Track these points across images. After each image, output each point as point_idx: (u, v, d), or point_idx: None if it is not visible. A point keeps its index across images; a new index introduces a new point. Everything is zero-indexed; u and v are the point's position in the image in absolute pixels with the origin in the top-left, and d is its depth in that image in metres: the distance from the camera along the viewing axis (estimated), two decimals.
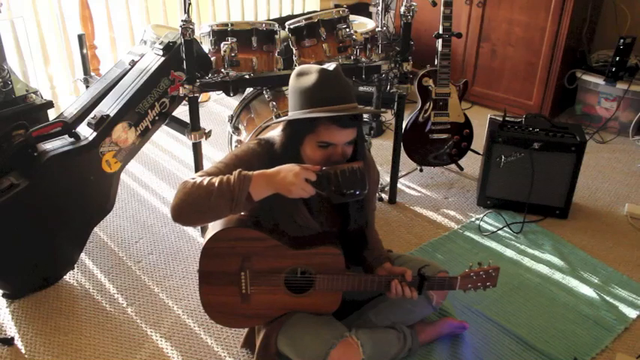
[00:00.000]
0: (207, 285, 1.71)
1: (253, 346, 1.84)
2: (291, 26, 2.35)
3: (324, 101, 1.52)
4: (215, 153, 3.25)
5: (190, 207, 1.51)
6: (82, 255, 2.36)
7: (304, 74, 1.56)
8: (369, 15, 4.07)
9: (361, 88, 3.53)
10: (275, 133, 1.71)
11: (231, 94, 2.31)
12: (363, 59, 2.44)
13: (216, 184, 1.49)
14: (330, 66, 1.57)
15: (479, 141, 2.93)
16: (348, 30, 2.35)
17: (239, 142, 2.52)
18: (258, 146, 1.67)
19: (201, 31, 2.34)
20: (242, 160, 1.63)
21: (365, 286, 1.72)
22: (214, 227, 1.70)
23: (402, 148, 2.79)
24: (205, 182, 1.50)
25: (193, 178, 1.54)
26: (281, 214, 1.69)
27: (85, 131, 2.17)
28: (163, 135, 3.39)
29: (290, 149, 1.61)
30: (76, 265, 2.30)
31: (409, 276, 1.70)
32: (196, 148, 2.36)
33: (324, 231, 1.74)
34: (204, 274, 1.70)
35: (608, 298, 2.21)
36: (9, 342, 1.96)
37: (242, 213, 1.63)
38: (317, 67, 1.57)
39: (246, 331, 1.92)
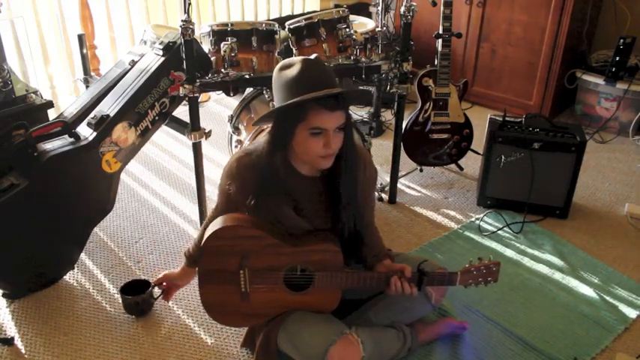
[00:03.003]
0: (207, 284, 1.72)
1: (253, 345, 1.85)
2: (291, 26, 2.35)
3: (310, 88, 1.52)
4: (215, 153, 3.25)
5: None
6: (82, 255, 2.36)
7: (287, 67, 1.58)
8: (369, 15, 4.07)
9: (361, 88, 3.53)
10: (257, 142, 1.73)
11: (231, 94, 2.31)
12: (363, 59, 2.44)
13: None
14: (311, 56, 1.62)
15: (479, 141, 2.93)
16: (348, 30, 2.35)
17: (239, 142, 2.52)
18: (243, 158, 1.69)
19: (201, 31, 2.34)
20: (226, 181, 1.73)
21: (364, 283, 1.72)
22: (213, 226, 1.70)
23: (402, 148, 2.80)
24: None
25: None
26: (269, 217, 1.71)
27: (85, 131, 2.17)
28: (163, 135, 3.39)
29: (281, 145, 1.61)
30: (76, 265, 2.30)
31: (408, 272, 1.70)
32: (196, 148, 2.35)
33: (323, 229, 1.74)
34: (204, 273, 1.71)
35: (608, 298, 2.21)
36: (9, 342, 1.96)
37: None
38: (298, 58, 1.59)
39: (245, 330, 1.92)
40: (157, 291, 2.13)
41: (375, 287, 1.75)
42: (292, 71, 1.55)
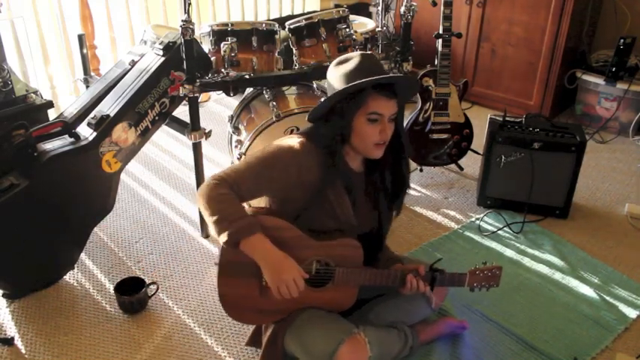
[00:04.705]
0: (226, 276, 1.68)
1: (259, 344, 1.84)
2: (291, 26, 2.35)
3: (371, 75, 1.59)
4: (215, 153, 3.25)
5: (203, 205, 1.57)
6: (82, 255, 2.36)
7: (345, 61, 1.66)
8: (369, 15, 4.07)
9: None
10: (308, 131, 1.71)
11: (231, 94, 2.32)
12: None
13: (227, 210, 1.54)
14: (367, 52, 1.68)
15: (479, 141, 2.93)
16: (348, 30, 2.35)
17: (239, 142, 2.52)
18: (307, 143, 1.65)
19: (201, 31, 2.34)
20: (287, 159, 1.62)
21: (381, 281, 1.73)
22: None
23: None
24: (224, 201, 1.55)
25: (222, 180, 1.57)
26: (323, 203, 1.67)
27: (85, 131, 2.17)
28: (163, 135, 3.39)
29: (343, 135, 1.63)
30: (76, 265, 2.30)
31: (422, 270, 1.73)
32: (196, 148, 2.36)
33: (341, 229, 1.73)
34: (225, 265, 1.67)
35: (608, 298, 2.21)
36: (9, 342, 1.96)
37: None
38: (356, 52, 1.68)
39: (252, 329, 1.91)
40: (151, 289, 2.14)
41: (390, 285, 1.76)
42: (352, 63, 1.63)
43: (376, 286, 1.76)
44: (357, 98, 1.60)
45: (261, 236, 1.56)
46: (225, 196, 1.54)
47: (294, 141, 1.66)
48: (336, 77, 1.66)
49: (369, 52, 1.69)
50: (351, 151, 1.70)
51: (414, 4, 2.41)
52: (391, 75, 1.62)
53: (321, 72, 2.34)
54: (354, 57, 1.65)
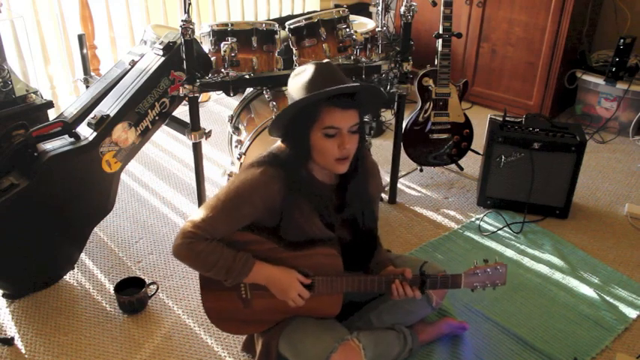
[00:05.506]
0: (208, 291, 1.71)
1: (252, 351, 1.84)
2: (291, 26, 2.35)
3: (323, 87, 1.51)
4: (215, 153, 3.25)
5: (191, 266, 1.62)
6: (82, 255, 2.36)
7: (301, 72, 1.59)
8: (369, 15, 4.07)
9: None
10: (269, 153, 1.67)
11: (231, 94, 2.31)
12: (363, 59, 2.44)
13: (219, 263, 1.56)
14: (323, 61, 1.62)
15: (479, 141, 2.93)
16: (348, 30, 2.35)
17: (239, 142, 2.52)
18: (268, 169, 1.60)
19: (201, 31, 2.34)
20: (252, 193, 1.58)
21: (365, 287, 1.70)
22: None
23: (402, 148, 2.80)
24: (210, 256, 1.55)
25: (195, 236, 1.55)
26: (291, 223, 1.65)
27: (85, 131, 2.17)
28: (163, 135, 3.39)
29: (303, 152, 1.59)
30: (76, 265, 2.30)
31: (409, 274, 1.68)
32: (196, 148, 2.35)
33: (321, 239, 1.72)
34: (205, 281, 1.70)
35: (608, 298, 2.21)
36: (9, 342, 1.96)
37: None
38: (311, 63, 1.59)
39: (245, 335, 1.91)
40: (151, 289, 2.14)
41: (377, 290, 1.74)
42: (306, 75, 1.56)
43: (362, 292, 1.73)
44: (310, 113, 1.52)
45: (257, 267, 1.60)
46: (205, 252, 1.55)
47: (255, 171, 1.60)
48: (291, 90, 1.60)
49: (326, 62, 1.59)
50: (317, 165, 1.63)
51: (414, 4, 2.41)
52: (335, 87, 1.49)
53: None
54: (308, 68, 1.57)
